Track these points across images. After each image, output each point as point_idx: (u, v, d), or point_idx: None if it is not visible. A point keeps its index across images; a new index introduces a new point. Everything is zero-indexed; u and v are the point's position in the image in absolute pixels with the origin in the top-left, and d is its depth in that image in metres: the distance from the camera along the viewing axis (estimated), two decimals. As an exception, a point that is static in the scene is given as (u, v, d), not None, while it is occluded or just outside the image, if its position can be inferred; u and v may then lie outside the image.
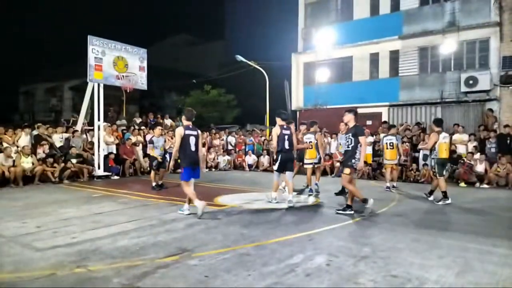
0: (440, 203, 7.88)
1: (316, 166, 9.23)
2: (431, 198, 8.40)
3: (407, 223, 6.01)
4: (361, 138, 6.47)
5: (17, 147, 11.03)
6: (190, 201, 6.55)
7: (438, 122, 8.62)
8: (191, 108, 7.13)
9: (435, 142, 8.15)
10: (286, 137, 7.48)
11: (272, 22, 45.51)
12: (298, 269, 3.81)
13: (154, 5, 60.32)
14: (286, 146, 7.47)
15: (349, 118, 6.77)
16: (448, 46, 16.02)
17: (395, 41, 17.87)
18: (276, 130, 7.51)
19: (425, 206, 7.75)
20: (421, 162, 12.34)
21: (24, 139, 11.36)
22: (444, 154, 8.19)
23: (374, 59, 18.79)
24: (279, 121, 7.60)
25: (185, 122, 6.66)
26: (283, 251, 4.42)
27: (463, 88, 15.57)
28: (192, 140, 6.44)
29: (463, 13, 16.10)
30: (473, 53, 16.02)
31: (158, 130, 10.21)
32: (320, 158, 9.25)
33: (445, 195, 7.95)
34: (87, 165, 12.02)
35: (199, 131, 6.68)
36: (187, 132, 6.44)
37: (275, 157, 7.79)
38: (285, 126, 7.57)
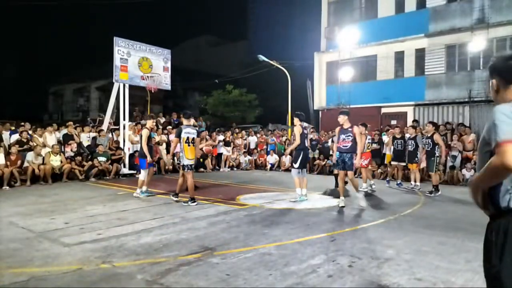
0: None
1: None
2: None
3: (433, 226, 5.85)
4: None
5: (45, 146, 11.42)
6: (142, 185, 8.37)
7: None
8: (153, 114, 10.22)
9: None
10: (305, 136, 8.18)
11: (295, 21, 45.38)
12: (320, 270, 3.78)
13: (178, 7, 61.15)
14: (306, 144, 8.18)
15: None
16: (477, 43, 15.50)
17: (421, 39, 17.43)
18: (299, 129, 7.94)
19: (452, 209, 7.53)
20: (449, 164, 11.99)
21: (50, 138, 11.74)
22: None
23: (399, 57, 18.40)
24: (297, 121, 8.08)
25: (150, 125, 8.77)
26: (305, 251, 4.40)
27: (493, 87, 15.04)
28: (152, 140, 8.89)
29: (493, 9, 15.55)
30: (503, 50, 15.46)
31: None
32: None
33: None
34: (117, 163, 12.34)
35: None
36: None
37: (293, 155, 8.23)
38: (304, 125, 8.16)
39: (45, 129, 12.16)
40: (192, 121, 9.12)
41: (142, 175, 8.39)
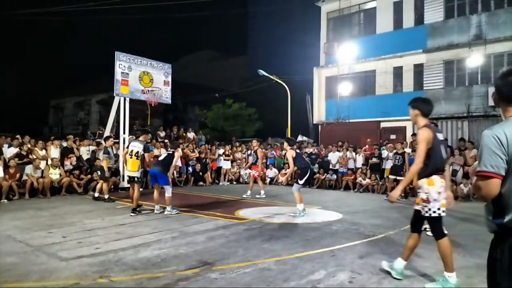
0: None
1: None
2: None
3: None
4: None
5: (46, 159, 11.39)
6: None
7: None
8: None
9: None
10: (301, 155, 8.37)
11: (295, 37, 45.90)
12: (320, 285, 3.74)
13: (179, 22, 62.01)
14: (307, 161, 8.39)
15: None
16: (474, 59, 15.68)
17: (420, 54, 17.63)
18: (291, 153, 8.03)
19: (452, 224, 7.48)
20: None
21: (54, 151, 11.75)
22: None
23: (398, 72, 18.57)
24: (287, 146, 8.24)
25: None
26: (304, 266, 4.35)
27: (491, 102, 15.14)
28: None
29: (490, 26, 15.77)
30: (501, 66, 15.55)
31: (110, 141, 11.03)
32: None
33: None
34: (114, 177, 12.27)
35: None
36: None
37: (299, 172, 8.13)
38: (295, 147, 8.43)
39: (49, 142, 12.10)
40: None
41: (169, 192, 8.19)
